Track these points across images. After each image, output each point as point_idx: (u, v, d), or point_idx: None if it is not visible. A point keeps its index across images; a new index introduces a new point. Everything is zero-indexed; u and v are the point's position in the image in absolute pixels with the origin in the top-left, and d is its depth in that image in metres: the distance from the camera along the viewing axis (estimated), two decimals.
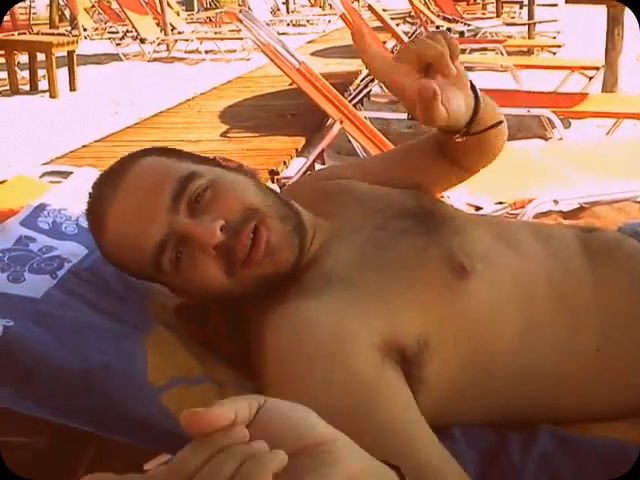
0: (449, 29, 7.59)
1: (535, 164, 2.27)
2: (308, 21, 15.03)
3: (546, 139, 3.36)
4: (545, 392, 0.80)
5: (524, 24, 7.87)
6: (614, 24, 4.04)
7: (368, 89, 3.69)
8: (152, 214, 0.79)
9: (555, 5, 11.40)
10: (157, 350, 0.86)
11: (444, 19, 8.49)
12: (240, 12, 2.62)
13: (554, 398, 0.81)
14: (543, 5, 11.25)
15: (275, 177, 2.77)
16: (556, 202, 1.78)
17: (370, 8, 4.39)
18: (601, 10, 4.26)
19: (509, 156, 2.32)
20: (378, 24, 4.92)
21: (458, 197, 1.74)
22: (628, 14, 4.07)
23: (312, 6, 19.58)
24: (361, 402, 0.69)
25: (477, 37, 7.39)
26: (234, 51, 9.08)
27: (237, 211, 0.79)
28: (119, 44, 10.35)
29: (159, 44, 9.33)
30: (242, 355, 0.87)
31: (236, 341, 0.91)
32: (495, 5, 11.11)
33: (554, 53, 6.57)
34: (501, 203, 1.78)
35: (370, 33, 3.46)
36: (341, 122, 2.48)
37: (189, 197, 0.79)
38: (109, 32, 12.23)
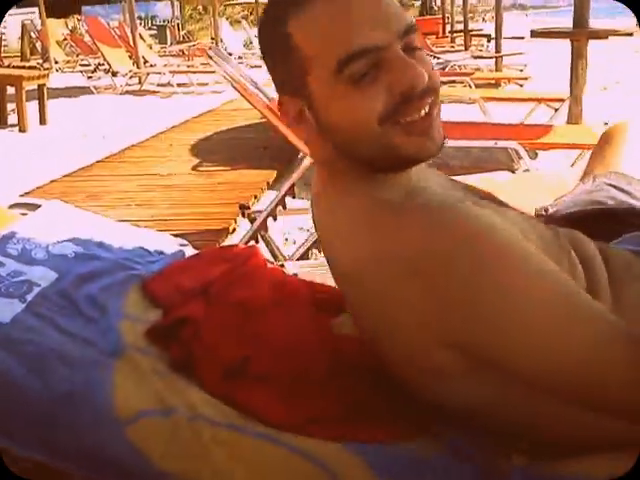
0: None
1: (502, 196, 2.29)
2: None
3: (513, 171, 3.42)
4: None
5: (492, 57, 8.04)
6: (578, 57, 4.14)
7: None
8: (375, 19, 0.77)
9: (522, 38, 11.69)
10: (127, 377, 0.84)
11: None
12: (210, 49, 2.64)
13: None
14: (510, 38, 11.53)
15: (245, 211, 2.76)
16: None
17: None
18: (565, 43, 4.37)
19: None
20: None
21: None
22: (592, 46, 4.19)
23: None
24: (564, 287, 0.73)
25: (446, 70, 7.52)
26: (206, 84, 9.11)
27: (424, 82, 0.78)
28: (90, 77, 10.34)
29: (131, 77, 9.34)
30: (214, 373, 0.86)
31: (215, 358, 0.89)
32: (463, 38, 11.38)
33: (521, 85, 6.72)
34: None
35: None
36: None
37: (408, 42, 0.78)
38: (81, 65, 12.22)
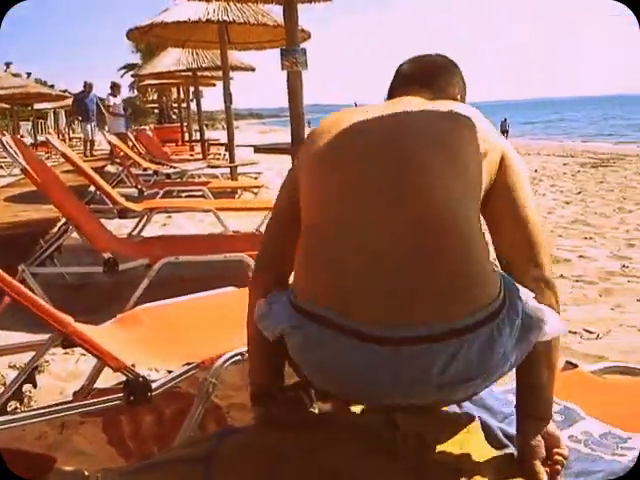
0: (156, 172, 7.79)
1: (229, 313, 2.29)
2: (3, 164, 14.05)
3: (248, 282, 3.51)
4: None
5: (226, 166, 8.39)
6: None
7: (62, 239, 3.50)
8: None
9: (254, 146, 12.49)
10: None
11: (151, 162, 8.70)
12: None
13: None
14: (246, 146, 12.23)
15: None
16: (243, 355, 1.80)
17: (63, 155, 4.28)
18: None
19: (205, 308, 2.35)
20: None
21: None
22: None
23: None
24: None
25: (184, 179, 7.66)
26: None
27: None
28: None
29: None
30: None
31: None
32: (201, 147, 11.77)
33: (255, 193, 7.08)
34: (189, 364, 1.74)
35: (56, 182, 3.33)
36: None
37: None
38: None
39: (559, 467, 1.23)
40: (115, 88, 13.16)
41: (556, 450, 1.24)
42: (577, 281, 3.72)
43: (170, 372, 1.76)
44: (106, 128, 12.64)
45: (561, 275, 3.82)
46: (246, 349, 1.81)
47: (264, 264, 1.47)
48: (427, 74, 1.47)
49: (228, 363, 1.77)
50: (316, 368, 1.22)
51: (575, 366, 1.79)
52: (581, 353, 2.57)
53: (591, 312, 3.13)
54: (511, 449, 1.31)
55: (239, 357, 1.79)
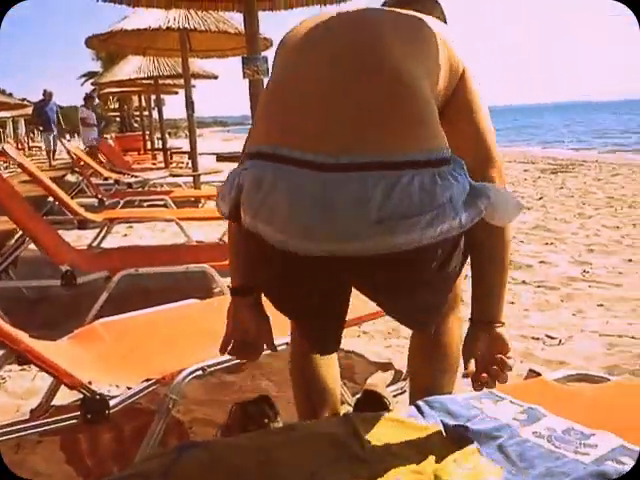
0: (117, 181, 7.67)
1: (191, 326, 2.26)
2: None
3: (212, 293, 3.47)
4: None
5: (190, 175, 8.31)
6: None
7: (19, 252, 3.41)
8: None
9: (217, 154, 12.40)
10: None
11: (112, 171, 8.58)
12: None
13: None
14: (210, 154, 12.16)
15: None
16: (204, 370, 1.77)
17: (20, 165, 4.17)
18: None
19: (166, 321, 2.31)
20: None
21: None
22: None
23: None
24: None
25: (145, 188, 7.56)
26: None
27: None
28: None
29: None
30: None
31: None
32: (163, 156, 11.65)
33: None
34: (149, 380, 1.69)
35: (11, 193, 3.24)
36: None
37: None
38: None
39: (497, 369, 1.28)
40: (89, 100, 13.07)
41: (500, 355, 1.28)
42: (539, 287, 3.76)
43: (130, 388, 1.71)
44: (80, 139, 12.53)
45: (523, 281, 3.86)
46: (209, 363, 1.78)
47: None
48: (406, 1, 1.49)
49: (189, 378, 1.73)
50: (257, 207, 1.16)
51: (538, 374, 1.80)
52: (544, 359, 2.59)
53: (553, 317, 3.16)
54: (475, 445, 1.31)
55: (200, 372, 1.75)
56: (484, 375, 1.30)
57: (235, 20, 7.08)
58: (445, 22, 1.55)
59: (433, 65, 1.27)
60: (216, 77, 11.17)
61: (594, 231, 5.70)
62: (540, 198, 8.13)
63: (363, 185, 1.07)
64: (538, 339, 2.84)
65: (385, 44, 1.22)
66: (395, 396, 2.11)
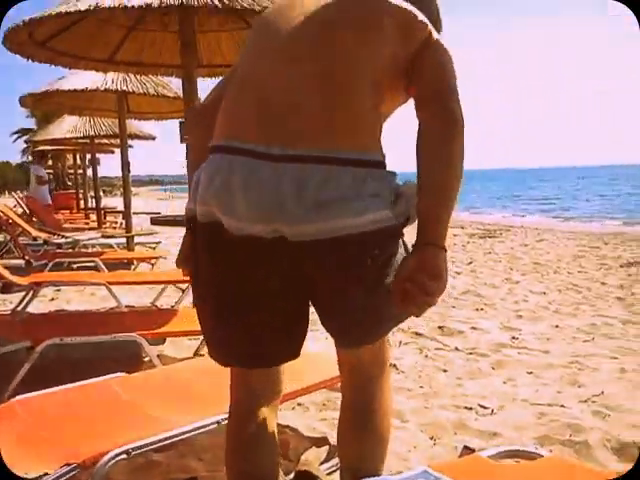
0: (46, 241, 7.44)
1: (116, 403, 2.16)
2: None
3: (142, 362, 3.36)
4: None
5: (123, 236, 8.15)
6: None
7: None
8: None
9: (158, 213, 12.22)
10: None
11: (41, 230, 8.32)
12: None
13: None
14: (144, 213, 11.97)
15: None
16: (129, 453, 1.69)
17: None
18: None
19: (90, 398, 2.20)
20: None
21: None
22: None
23: None
24: None
25: (76, 249, 7.35)
26: None
27: None
28: None
29: None
30: None
31: None
32: (97, 215, 11.42)
33: (153, 264, 6.88)
34: (69, 464, 1.59)
35: None
36: None
37: None
38: None
39: (415, 289, 1.23)
40: (43, 158, 12.81)
41: (425, 279, 1.23)
42: (470, 354, 3.81)
43: (47, 474, 1.61)
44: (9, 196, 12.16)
45: (456, 348, 3.90)
46: (133, 446, 1.69)
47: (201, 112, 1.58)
48: None
49: (112, 462, 1.64)
50: (212, 196, 1.30)
51: (472, 450, 1.80)
52: (477, 429, 2.60)
53: (485, 386, 3.20)
54: None
55: (124, 455, 1.67)
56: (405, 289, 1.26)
57: (174, 84, 7.14)
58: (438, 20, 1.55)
59: (379, 46, 1.33)
60: (154, 138, 11.14)
61: (522, 297, 5.87)
62: (470, 263, 8.34)
63: (302, 173, 1.24)
64: (471, 409, 2.85)
65: (335, 38, 1.32)
66: (330, 474, 2.06)
